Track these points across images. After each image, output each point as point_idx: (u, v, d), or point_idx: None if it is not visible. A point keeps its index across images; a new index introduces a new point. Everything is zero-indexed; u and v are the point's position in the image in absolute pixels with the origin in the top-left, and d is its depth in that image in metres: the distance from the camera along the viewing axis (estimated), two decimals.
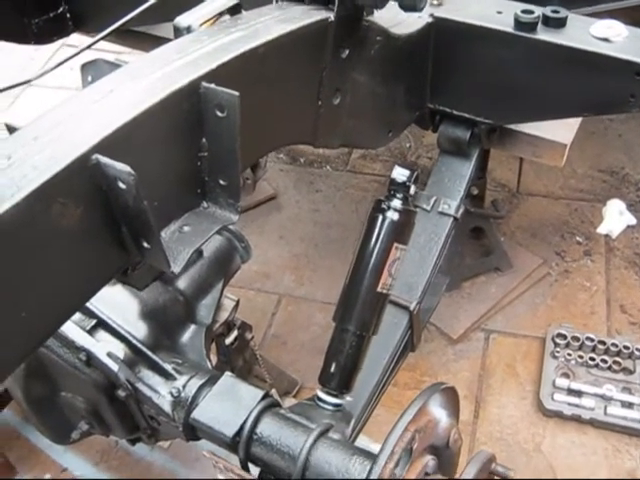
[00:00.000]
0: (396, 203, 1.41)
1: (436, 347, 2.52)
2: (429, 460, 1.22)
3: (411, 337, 1.75)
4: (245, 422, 1.29)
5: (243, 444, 1.28)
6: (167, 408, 1.39)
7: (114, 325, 1.46)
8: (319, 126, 1.43)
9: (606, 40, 1.57)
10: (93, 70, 1.18)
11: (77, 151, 0.87)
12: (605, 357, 2.36)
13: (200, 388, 1.38)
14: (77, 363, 1.44)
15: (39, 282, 0.88)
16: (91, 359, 1.42)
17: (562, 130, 2.02)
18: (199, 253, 1.68)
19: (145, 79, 1.02)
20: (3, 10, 2.17)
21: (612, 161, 3.09)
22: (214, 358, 1.83)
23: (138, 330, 1.49)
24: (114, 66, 1.11)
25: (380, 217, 1.41)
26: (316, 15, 1.29)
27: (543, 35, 1.58)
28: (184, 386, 1.39)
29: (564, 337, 2.42)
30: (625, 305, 2.58)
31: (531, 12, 1.59)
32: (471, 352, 2.50)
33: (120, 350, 1.44)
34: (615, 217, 2.68)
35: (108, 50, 2.13)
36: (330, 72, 1.37)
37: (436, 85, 1.78)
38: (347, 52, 1.40)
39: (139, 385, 1.42)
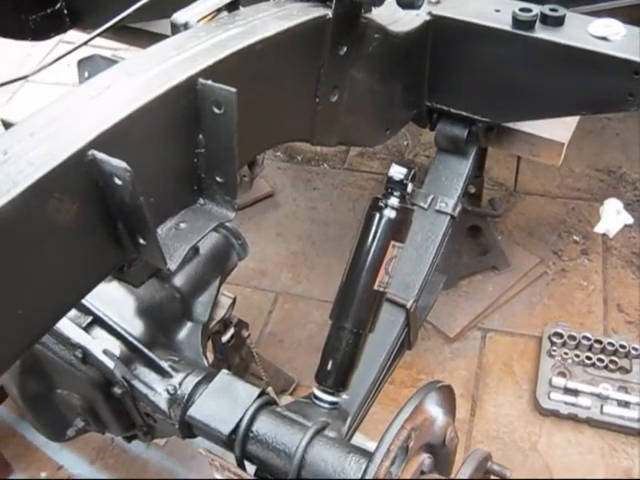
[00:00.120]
0: (393, 201, 1.40)
1: (433, 345, 2.52)
2: (425, 458, 1.22)
3: (408, 335, 1.75)
4: (241, 420, 1.29)
5: (239, 442, 1.28)
6: (163, 405, 1.39)
7: (110, 322, 1.46)
8: (317, 123, 1.42)
9: (604, 39, 1.56)
10: (90, 66, 1.17)
11: (73, 147, 0.87)
12: (602, 356, 2.37)
13: (196, 386, 1.38)
14: (73, 360, 1.44)
15: (35, 278, 0.87)
16: (87, 356, 1.42)
17: (560, 129, 2.02)
18: (195, 250, 1.68)
19: (142, 75, 1.02)
20: (0, 6, 2.16)
21: (609, 160, 3.09)
22: (210, 356, 1.82)
23: (134, 327, 1.48)
24: (111, 62, 1.10)
25: (377, 215, 1.40)
26: (314, 12, 1.29)
27: (541, 33, 1.58)
28: (180, 383, 1.39)
29: (561, 336, 2.43)
30: (622, 304, 2.58)
31: (529, 10, 1.58)
32: (468, 351, 2.50)
33: (116, 347, 1.43)
34: (612, 216, 2.69)
35: (105, 47, 2.12)
36: (328, 69, 1.37)
37: (434, 83, 1.78)
38: (345, 49, 1.39)
39: (135, 382, 1.42)
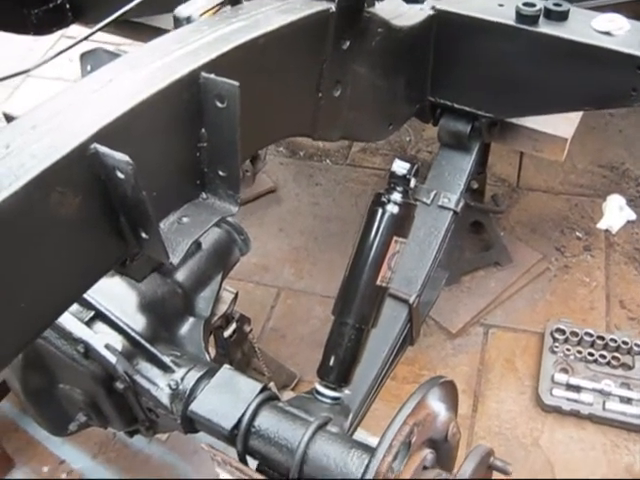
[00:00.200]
0: (396, 196, 1.40)
1: (435, 341, 2.52)
2: (427, 454, 1.22)
3: (410, 331, 1.75)
4: (243, 415, 1.29)
5: (241, 437, 1.28)
6: (165, 400, 1.38)
7: (112, 317, 1.45)
8: (319, 118, 1.42)
9: (608, 34, 1.56)
10: (92, 60, 1.17)
11: (76, 140, 0.87)
12: (604, 352, 2.36)
13: (198, 380, 1.38)
14: (75, 355, 1.43)
15: (37, 272, 0.87)
16: (89, 351, 1.42)
17: (563, 124, 2.02)
18: (198, 245, 1.67)
19: (145, 69, 1.02)
20: (3, 0, 2.16)
21: (612, 156, 3.08)
22: (212, 351, 1.83)
23: (136, 322, 1.48)
24: (113, 56, 1.10)
25: (380, 210, 1.40)
26: (317, 6, 1.29)
27: (545, 28, 1.58)
28: (182, 378, 1.39)
29: (563, 332, 2.42)
30: (624, 300, 2.58)
31: (533, 5, 1.58)
32: (470, 346, 2.50)
33: (118, 342, 1.43)
34: (615, 212, 2.68)
35: (108, 42, 2.12)
36: (331, 64, 1.36)
37: (437, 78, 1.77)
38: (348, 44, 1.39)
39: (137, 377, 1.42)
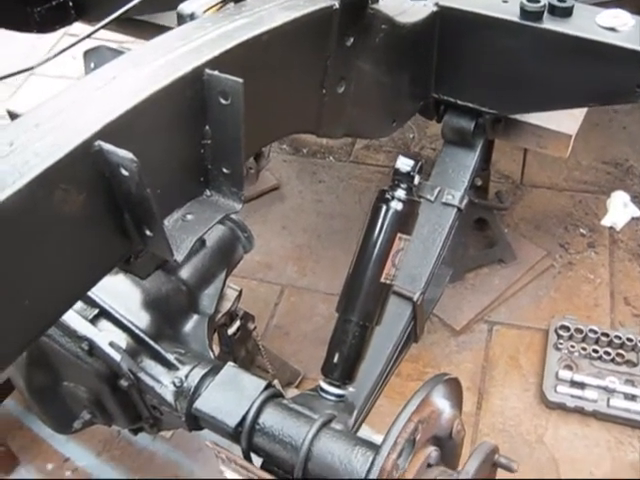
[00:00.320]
0: (400, 193, 1.40)
1: (439, 338, 2.52)
2: (432, 451, 1.22)
3: (414, 328, 1.75)
4: (248, 412, 1.29)
5: (245, 434, 1.28)
6: (169, 398, 1.38)
7: (116, 314, 1.45)
8: (323, 115, 1.41)
9: (612, 29, 1.55)
10: (96, 57, 1.17)
11: (79, 138, 0.86)
12: (608, 349, 2.36)
13: (203, 378, 1.38)
14: (79, 352, 1.43)
15: (41, 269, 0.87)
16: (93, 348, 1.42)
17: (567, 121, 2.01)
18: (202, 242, 1.67)
19: (148, 66, 1.01)
20: None
21: (616, 153, 3.08)
22: (216, 348, 1.82)
23: (140, 320, 1.48)
24: (117, 53, 1.10)
25: (384, 207, 1.40)
26: (321, 2, 1.28)
27: (549, 24, 1.57)
28: (187, 376, 1.39)
29: (567, 329, 2.42)
30: (629, 297, 2.57)
31: (537, 1, 1.57)
32: (474, 344, 2.50)
33: (122, 340, 1.43)
34: (619, 209, 2.68)
35: (112, 40, 2.12)
36: (335, 60, 1.36)
37: (441, 74, 1.77)
38: (352, 40, 1.38)
39: (141, 375, 1.42)
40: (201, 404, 1.34)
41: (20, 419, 2.34)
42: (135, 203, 0.92)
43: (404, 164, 1.39)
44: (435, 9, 1.65)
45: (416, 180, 1.40)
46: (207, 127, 1.05)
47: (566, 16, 1.57)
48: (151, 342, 1.44)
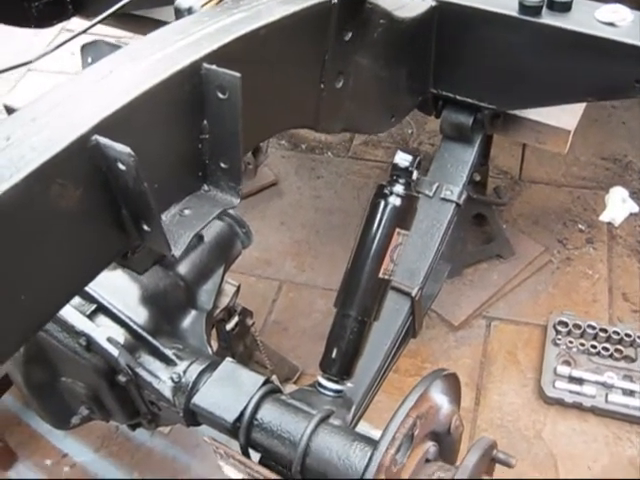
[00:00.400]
0: (398, 188, 1.40)
1: (437, 334, 2.51)
2: (430, 446, 1.22)
3: (412, 323, 1.74)
4: (246, 408, 1.28)
5: (244, 430, 1.28)
6: (168, 393, 1.38)
7: (114, 310, 1.45)
8: (321, 110, 1.41)
9: (611, 24, 1.55)
10: (93, 51, 1.16)
11: (76, 132, 0.86)
12: (607, 345, 2.36)
13: (201, 373, 1.38)
14: (77, 348, 1.43)
15: (38, 264, 0.87)
16: (91, 344, 1.41)
17: (566, 116, 2.01)
18: (200, 238, 1.67)
19: (145, 60, 1.01)
20: None
21: (615, 149, 3.07)
22: (215, 344, 1.82)
23: (138, 315, 1.48)
24: (114, 47, 1.09)
25: (382, 202, 1.40)
26: None
27: (548, 19, 1.56)
28: (185, 371, 1.39)
29: (566, 325, 2.42)
30: (627, 293, 2.57)
31: None
32: (472, 339, 2.50)
33: (120, 335, 1.43)
34: (618, 205, 2.67)
35: (109, 35, 2.11)
36: (333, 55, 1.35)
37: (439, 70, 1.76)
38: (350, 35, 1.38)
39: (139, 370, 1.41)
40: (199, 399, 1.34)
41: (18, 415, 2.34)
42: (132, 198, 0.92)
43: (402, 159, 1.39)
44: (434, 4, 1.65)
45: (414, 175, 1.40)
46: (205, 122, 1.04)
47: (565, 11, 1.57)
48: (149, 337, 1.44)
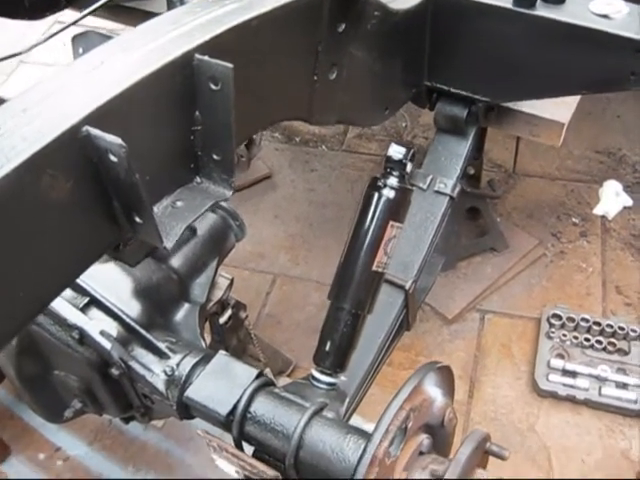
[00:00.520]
0: (392, 181, 1.39)
1: (431, 327, 2.52)
2: (424, 439, 1.22)
3: (406, 316, 1.74)
4: (239, 401, 1.28)
5: (237, 423, 1.28)
6: (161, 386, 1.38)
7: (107, 303, 1.44)
8: (315, 101, 1.40)
9: (606, 17, 1.54)
10: (84, 42, 1.15)
11: (67, 123, 0.85)
12: (600, 338, 2.36)
13: (194, 367, 1.37)
14: (70, 341, 1.43)
15: (28, 256, 0.86)
16: (84, 337, 1.41)
17: (560, 109, 2.01)
18: (193, 231, 1.67)
19: (137, 51, 1.00)
20: None
21: (609, 142, 3.08)
22: (208, 337, 1.82)
23: (131, 308, 1.47)
24: (105, 38, 1.08)
25: (376, 195, 1.39)
26: None
27: (542, 11, 1.56)
28: (178, 364, 1.38)
29: (559, 318, 2.42)
30: (621, 286, 2.58)
31: None
32: (466, 332, 2.50)
33: (113, 328, 1.42)
34: (612, 198, 2.68)
35: (101, 27, 2.10)
36: (326, 46, 1.34)
37: (433, 62, 1.76)
38: (343, 26, 1.37)
39: (132, 363, 1.41)
40: (192, 392, 1.34)
41: (11, 409, 2.33)
42: (124, 189, 0.91)
43: (396, 151, 1.38)
44: None
45: (408, 168, 1.39)
46: (197, 113, 1.04)
47: (559, 3, 1.57)
48: (142, 331, 1.43)
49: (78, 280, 1.38)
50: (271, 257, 2.80)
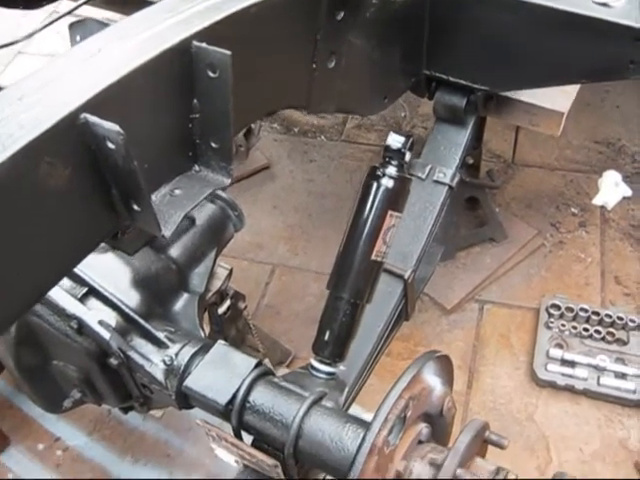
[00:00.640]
0: (391, 170, 1.39)
1: (430, 317, 2.52)
2: (423, 428, 1.22)
3: (405, 306, 1.74)
4: (238, 390, 1.28)
5: (236, 412, 1.28)
6: (160, 376, 1.38)
7: (106, 293, 1.44)
8: (313, 90, 1.40)
9: (605, 5, 1.54)
10: (81, 30, 1.15)
11: (65, 110, 0.85)
12: (599, 328, 2.36)
13: (193, 356, 1.37)
14: (69, 331, 1.43)
15: (26, 244, 0.86)
16: (83, 327, 1.41)
17: (559, 98, 2.00)
18: (192, 221, 1.66)
19: (134, 38, 0.99)
20: None
21: (609, 132, 3.07)
22: (207, 328, 1.82)
23: (130, 298, 1.47)
24: (103, 25, 1.08)
25: (375, 184, 1.39)
26: None
27: None
28: (177, 354, 1.38)
29: (558, 308, 2.42)
30: (619, 276, 2.58)
31: None
32: (465, 322, 2.50)
33: (112, 318, 1.42)
34: (611, 188, 2.67)
35: (98, 17, 2.09)
36: (325, 34, 1.34)
37: (432, 51, 1.75)
38: (342, 14, 1.36)
39: (131, 353, 1.41)
40: (191, 382, 1.34)
41: (10, 399, 2.33)
42: (122, 177, 0.90)
43: (395, 141, 1.38)
44: None
45: (407, 157, 1.39)
46: (195, 101, 1.03)
47: None
48: (141, 320, 1.43)
49: (77, 270, 1.39)
50: (270, 247, 2.80)
